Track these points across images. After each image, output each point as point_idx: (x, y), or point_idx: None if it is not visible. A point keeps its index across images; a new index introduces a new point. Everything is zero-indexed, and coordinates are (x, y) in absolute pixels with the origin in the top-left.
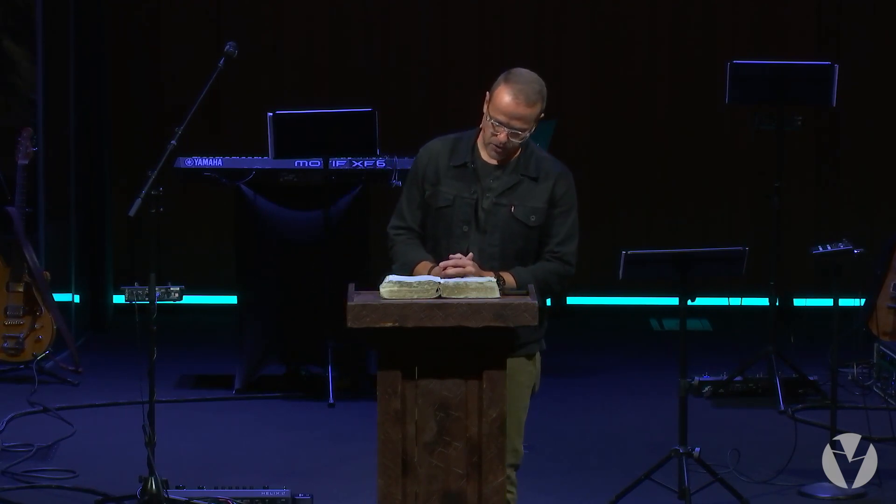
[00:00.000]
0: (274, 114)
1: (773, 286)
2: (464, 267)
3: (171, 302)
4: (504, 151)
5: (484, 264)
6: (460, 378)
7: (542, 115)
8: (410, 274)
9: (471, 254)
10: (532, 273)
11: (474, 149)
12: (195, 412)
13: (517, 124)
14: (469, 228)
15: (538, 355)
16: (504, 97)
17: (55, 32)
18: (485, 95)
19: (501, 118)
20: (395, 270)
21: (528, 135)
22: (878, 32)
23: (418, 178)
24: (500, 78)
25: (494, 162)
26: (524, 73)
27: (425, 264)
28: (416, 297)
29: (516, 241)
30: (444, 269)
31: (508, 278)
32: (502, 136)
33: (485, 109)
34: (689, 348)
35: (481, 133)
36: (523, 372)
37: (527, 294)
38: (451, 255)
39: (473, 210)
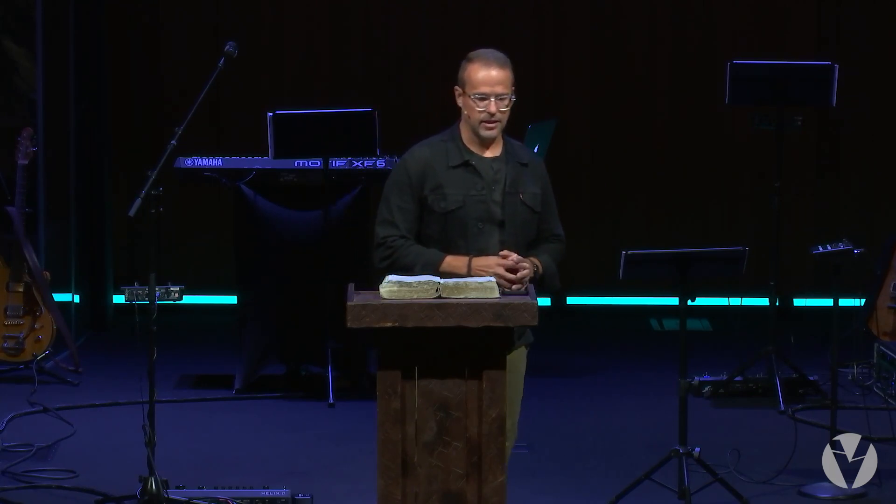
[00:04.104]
0: (274, 114)
1: (773, 286)
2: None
3: (171, 302)
4: (497, 125)
5: None
6: (460, 378)
7: (514, 85)
8: (437, 270)
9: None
10: (551, 257)
11: (465, 147)
12: (195, 412)
13: (500, 89)
14: (484, 225)
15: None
16: (479, 71)
17: (55, 32)
18: (455, 91)
19: (485, 90)
20: (420, 271)
21: (513, 99)
22: (877, 32)
23: (411, 186)
24: (463, 64)
25: (488, 155)
26: (484, 49)
27: (458, 257)
28: (415, 297)
29: (526, 230)
30: (503, 265)
31: (539, 266)
32: (492, 107)
33: (461, 102)
34: (689, 348)
35: (463, 127)
36: (523, 360)
37: (526, 293)
38: (501, 253)
39: (486, 206)
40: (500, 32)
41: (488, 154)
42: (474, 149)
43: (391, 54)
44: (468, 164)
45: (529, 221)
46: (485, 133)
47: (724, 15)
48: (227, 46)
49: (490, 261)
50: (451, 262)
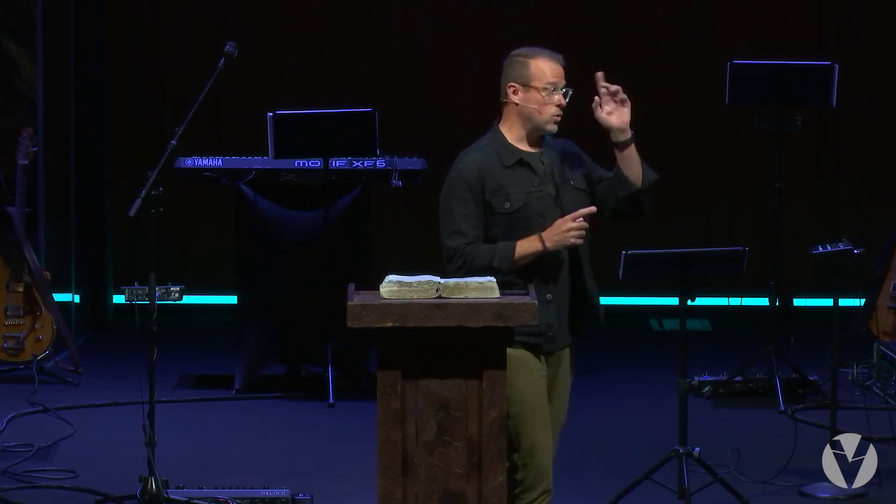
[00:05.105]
0: (274, 114)
1: (773, 286)
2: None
3: (171, 302)
4: (560, 117)
5: None
6: (460, 378)
7: None
8: (513, 260)
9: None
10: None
11: (513, 146)
12: (195, 412)
13: (563, 82)
14: (545, 220)
15: None
16: (545, 63)
17: (55, 32)
18: (510, 90)
19: (554, 80)
20: (497, 264)
21: (570, 91)
22: (877, 32)
23: (474, 192)
24: (520, 60)
25: (535, 150)
26: (532, 46)
27: (528, 239)
28: (416, 296)
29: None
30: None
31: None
32: (562, 98)
33: (518, 99)
34: (689, 348)
35: (505, 128)
36: (570, 364)
37: (526, 293)
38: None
39: (546, 201)
40: (500, 32)
41: (535, 150)
42: (522, 147)
43: (391, 54)
44: (523, 163)
45: (585, 203)
46: (552, 128)
47: (724, 15)
48: (227, 46)
49: (560, 224)
50: (523, 245)
